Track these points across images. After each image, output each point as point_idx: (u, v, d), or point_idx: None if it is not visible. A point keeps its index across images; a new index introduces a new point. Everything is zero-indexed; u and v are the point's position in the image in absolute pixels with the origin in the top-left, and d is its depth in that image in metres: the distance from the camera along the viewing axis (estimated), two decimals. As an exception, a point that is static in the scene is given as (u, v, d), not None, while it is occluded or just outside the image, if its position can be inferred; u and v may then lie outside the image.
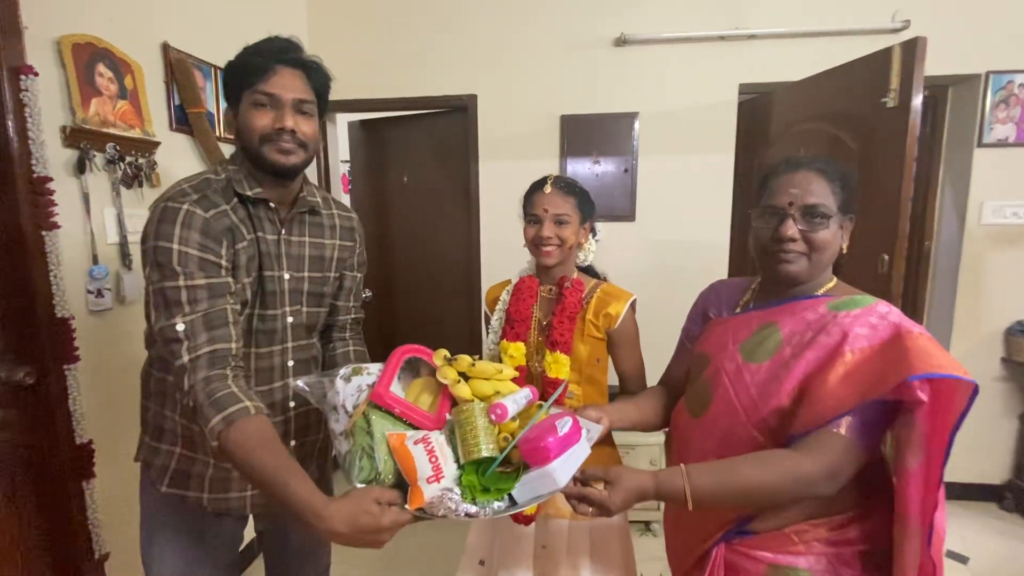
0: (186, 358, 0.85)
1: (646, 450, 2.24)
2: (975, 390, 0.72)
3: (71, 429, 1.39)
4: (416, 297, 3.00)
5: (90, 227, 1.45)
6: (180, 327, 0.86)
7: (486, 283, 2.51)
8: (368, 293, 3.06)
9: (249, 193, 0.96)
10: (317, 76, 0.98)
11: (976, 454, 2.53)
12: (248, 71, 0.93)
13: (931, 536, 0.76)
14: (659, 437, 2.20)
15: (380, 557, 2.20)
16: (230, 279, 0.92)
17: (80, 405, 1.40)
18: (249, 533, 1.26)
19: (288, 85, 0.94)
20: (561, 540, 1.20)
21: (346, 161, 3.20)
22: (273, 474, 0.78)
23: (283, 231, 1.02)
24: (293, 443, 1.08)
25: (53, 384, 1.35)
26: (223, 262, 0.91)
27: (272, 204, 1.00)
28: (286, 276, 1.02)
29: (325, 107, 1.02)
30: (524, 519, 1.17)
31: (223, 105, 1.23)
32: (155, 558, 1.06)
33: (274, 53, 0.95)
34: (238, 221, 0.96)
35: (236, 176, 0.97)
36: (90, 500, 1.44)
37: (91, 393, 1.43)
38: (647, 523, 2.34)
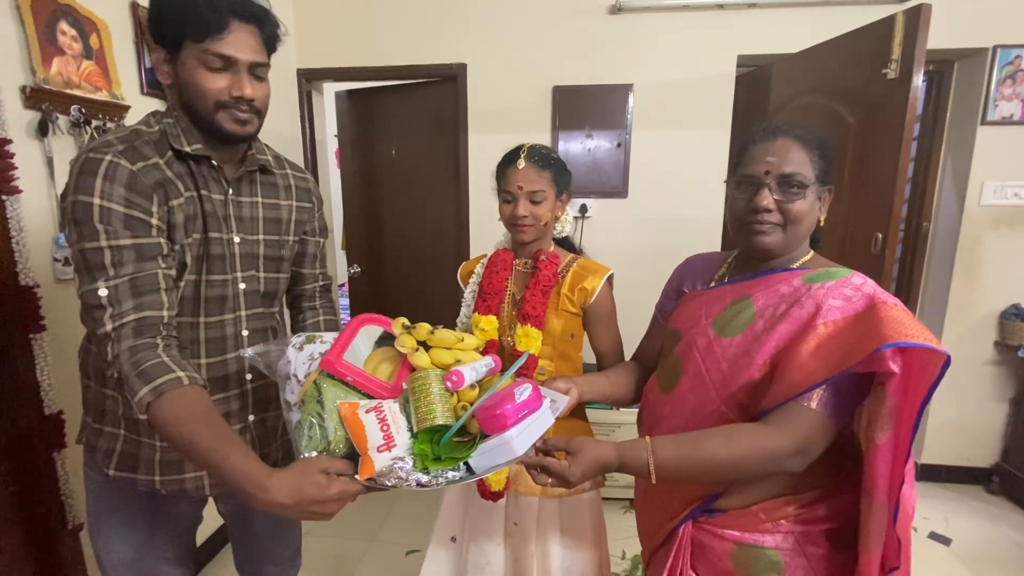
0: (110, 326, 0.78)
1: (630, 429, 2.22)
2: (947, 361, 0.68)
3: (39, 399, 1.37)
4: (405, 272, 2.97)
5: (55, 192, 1.40)
6: (103, 292, 0.79)
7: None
8: (356, 268, 3.03)
9: (188, 149, 0.88)
10: (269, 27, 0.90)
11: (965, 437, 2.52)
12: (197, 23, 0.83)
13: (897, 512, 0.74)
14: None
15: (354, 531, 2.21)
16: (162, 240, 0.85)
17: (48, 376, 1.38)
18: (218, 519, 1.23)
19: (244, 44, 0.86)
20: (531, 517, 1.18)
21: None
22: (209, 446, 0.74)
23: (230, 191, 0.96)
24: (252, 418, 1.04)
25: (18, 354, 1.33)
26: (153, 220, 0.83)
27: (215, 162, 0.93)
28: (236, 239, 0.96)
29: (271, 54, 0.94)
30: (493, 495, 1.15)
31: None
32: (103, 544, 1.02)
33: (229, 6, 0.85)
34: (173, 176, 0.87)
35: (172, 130, 0.89)
36: (61, 471, 1.43)
37: (60, 363, 1.40)
38: (631, 500, 2.34)
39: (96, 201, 0.79)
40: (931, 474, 2.56)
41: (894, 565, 0.77)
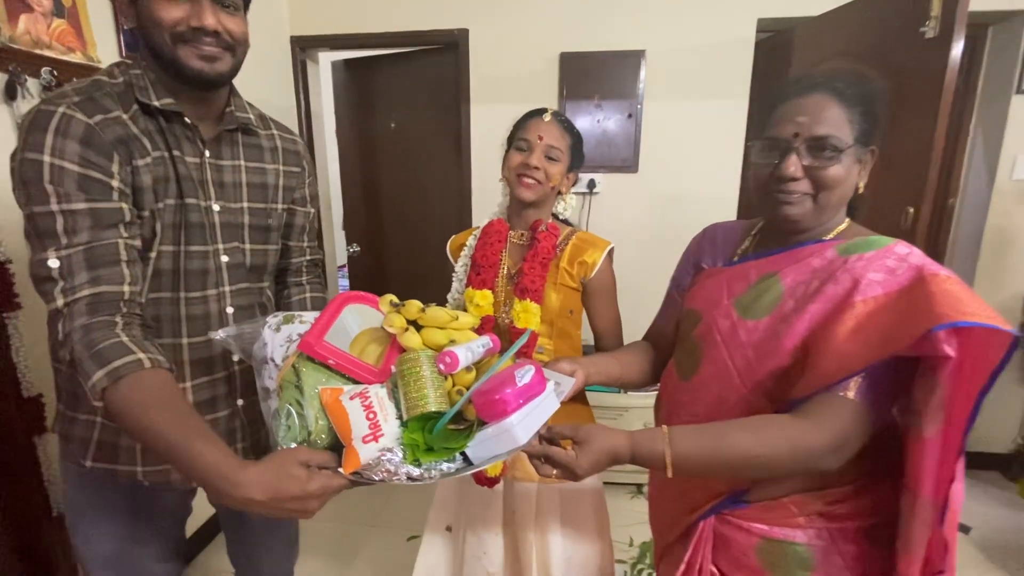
0: (60, 301, 0.70)
1: (639, 413, 2.15)
2: (1014, 343, 0.59)
3: (17, 381, 1.30)
4: (406, 250, 2.88)
5: (27, 161, 1.31)
6: (53, 263, 0.70)
7: (476, 237, 2.39)
8: (356, 247, 2.94)
9: (156, 103, 0.79)
10: None
11: (984, 422, 2.40)
12: None
13: (945, 512, 0.65)
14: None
15: (355, 515, 2.17)
16: (124, 205, 0.75)
17: (25, 357, 1.30)
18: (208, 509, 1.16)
19: None
20: (529, 505, 1.11)
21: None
22: (174, 437, 0.65)
23: (207, 152, 0.86)
24: (241, 402, 0.96)
25: (-8, 333, 1.25)
26: (113, 183, 0.74)
27: (188, 120, 0.84)
28: (215, 207, 0.87)
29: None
30: (488, 481, 1.08)
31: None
32: (84, 540, 0.95)
33: None
34: (138, 132, 0.78)
35: (140, 82, 0.79)
36: (43, 456, 1.37)
37: (38, 344, 1.32)
38: (639, 485, 2.28)
39: (46, 159, 0.70)
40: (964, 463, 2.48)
41: (939, 570, 0.69)
